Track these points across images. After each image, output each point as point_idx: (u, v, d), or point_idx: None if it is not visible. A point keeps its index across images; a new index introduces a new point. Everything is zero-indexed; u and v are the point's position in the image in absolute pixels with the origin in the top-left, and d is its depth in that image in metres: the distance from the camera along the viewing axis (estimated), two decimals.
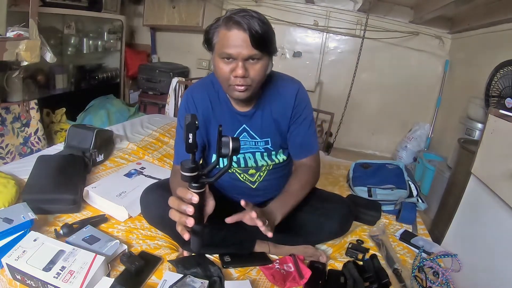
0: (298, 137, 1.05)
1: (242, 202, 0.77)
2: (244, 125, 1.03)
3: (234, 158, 1.03)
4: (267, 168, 1.08)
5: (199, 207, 0.71)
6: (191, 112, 0.98)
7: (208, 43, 0.90)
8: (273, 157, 1.06)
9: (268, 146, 1.04)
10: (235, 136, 0.94)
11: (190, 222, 0.68)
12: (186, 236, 0.71)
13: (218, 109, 1.01)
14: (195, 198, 0.69)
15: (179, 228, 0.72)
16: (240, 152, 1.04)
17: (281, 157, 1.08)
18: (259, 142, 1.04)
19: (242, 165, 1.06)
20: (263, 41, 0.85)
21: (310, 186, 1.03)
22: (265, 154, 1.05)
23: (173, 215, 0.71)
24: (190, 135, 0.63)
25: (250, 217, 0.78)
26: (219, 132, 0.69)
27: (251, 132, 1.03)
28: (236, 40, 0.83)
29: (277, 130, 1.04)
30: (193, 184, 0.69)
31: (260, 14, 0.86)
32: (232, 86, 0.88)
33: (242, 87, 0.87)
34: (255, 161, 1.06)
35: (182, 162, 0.68)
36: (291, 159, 1.12)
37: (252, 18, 0.82)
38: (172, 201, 0.72)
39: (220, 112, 1.01)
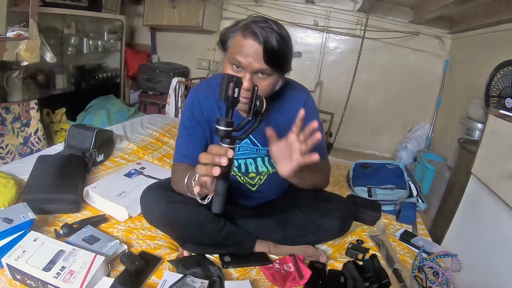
0: None
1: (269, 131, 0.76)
2: None
3: (235, 162, 1.03)
4: (268, 172, 1.07)
5: (227, 165, 0.69)
6: (195, 112, 0.98)
7: (222, 44, 0.88)
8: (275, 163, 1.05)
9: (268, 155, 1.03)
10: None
11: (216, 171, 0.65)
12: (197, 189, 0.68)
13: (223, 112, 0.98)
14: (231, 152, 0.67)
15: (197, 188, 0.69)
16: (241, 157, 1.04)
17: None
18: (260, 150, 1.03)
19: (243, 170, 1.05)
20: (277, 58, 0.82)
21: (322, 179, 1.02)
22: (265, 159, 1.05)
23: (201, 168, 0.67)
24: (236, 90, 0.66)
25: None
26: (255, 90, 0.71)
27: (253, 139, 1.02)
28: (249, 50, 0.80)
29: (281, 137, 1.01)
30: (227, 140, 0.69)
31: (282, 27, 0.83)
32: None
33: (245, 100, 0.84)
34: (256, 167, 1.05)
35: (218, 118, 0.68)
36: None
37: (271, 31, 0.79)
38: (204, 156, 0.67)
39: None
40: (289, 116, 0.99)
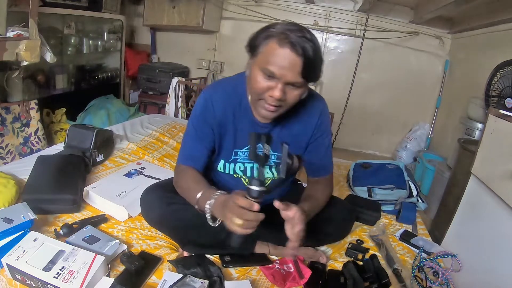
0: (318, 156, 1.04)
1: (276, 204, 0.80)
2: None
3: (241, 166, 1.04)
4: (272, 178, 1.07)
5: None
6: (208, 114, 0.96)
7: (252, 48, 0.84)
8: None
9: (279, 161, 1.03)
10: (248, 146, 0.98)
11: (247, 231, 0.74)
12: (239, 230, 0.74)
13: (238, 116, 0.96)
14: (256, 207, 0.74)
15: (237, 229, 0.74)
16: (249, 162, 1.04)
17: None
18: (271, 155, 1.02)
19: (249, 174, 1.05)
20: (313, 71, 0.79)
21: (323, 205, 1.03)
22: (273, 167, 1.04)
23: (232, 220, 0.74)
24: (266, 146, 0.72)
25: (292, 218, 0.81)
26: (286, 148, 0.74)
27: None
28: (284, 61, 0.76)
29: (293, 146, 0.99)
30: (255, 195, 0.75)
31: (313, 36, 0.79)
32: (262, 102, 0.84)
33: (273, 108, 0.83)
34: (261, 174, 1.05)
35: (252, 178, 0.75)
36: None
37: (307, 41, 0.76)
38: (235, 209, 0.74)
39: (240, 120, 0.97)
40: (304, 126, 1.00)
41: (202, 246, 1.00)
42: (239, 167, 1.03)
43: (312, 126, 1.00)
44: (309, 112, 0.99)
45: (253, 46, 0.84)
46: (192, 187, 0.91)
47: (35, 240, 0.83)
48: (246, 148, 1.01)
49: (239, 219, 0.73)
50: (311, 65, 0.77)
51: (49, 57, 2.00)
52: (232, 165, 1.03)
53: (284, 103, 0.84)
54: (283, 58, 0.76)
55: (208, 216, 0.84)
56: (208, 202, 0.83)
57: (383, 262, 1.07)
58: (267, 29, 0.81)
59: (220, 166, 1.04)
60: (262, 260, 1.02)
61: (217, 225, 0.84)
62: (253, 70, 0.83)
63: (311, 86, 0.94)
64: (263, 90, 0.81)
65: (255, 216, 0.74)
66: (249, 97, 0.94)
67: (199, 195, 0.86)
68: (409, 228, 1.33)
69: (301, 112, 0.98)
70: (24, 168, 1.30)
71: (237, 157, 1.02)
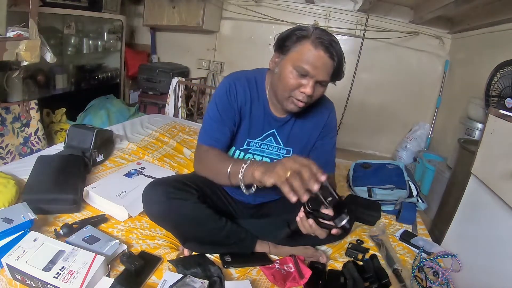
0: (323, 155, 1.08)
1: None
2: (274, 130, 1.05)
3: (251, 157, 1.06)
4: None
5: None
6: (232, 97, 1.00)
7: (283, 47, 0.90)
8: None
9: (289, 156, 1.03)
10: (261, 137, 1.04)
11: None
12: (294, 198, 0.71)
13: (255, 108, 1.03)
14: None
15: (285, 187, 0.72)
16: (260, 155, 1.07)
17: None
18: (281, 149, 1.07)
19: None
20: (340, 72, 0.91)
21: None
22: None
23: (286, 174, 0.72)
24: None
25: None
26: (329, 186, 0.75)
27: (278, 138, 1.06)
28: (319, 62, 0.85)
29: (303, 141, 1.07)
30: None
31: (337, 39, 0.89)
32: (292, 98, 0.91)
33: (302, 103, 0.91)
34: None
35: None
36: None
37: (337, 45, 0.87)
38: (294, 162, 0.73)
39: (256, 111, 1.03)
40: (314, 123, 1.07)
41: (203, 243, 1.00)
42: (249, 158, 1.06)
43: (321, 124, 1.07)
44: (320, 111, 1.07)
45: (284, 45, 0.90)
46: (221, 162, 0.92)
47: (35, 240, 0.83)
48: (258, 139, 1.06)
49: (291, 170, 0.71)
50: (339, 66, 0.89)
51: (49, 57, 2.00)
52: (242, 153, 1.07)
53: (310, 99, 0.92)
54: (317, 59, 0.85)
55: (241, 180, 0.84)
56: (244, 165, 0.83)
57: (383, 262, 1.07)
58: (300, 30, 0.88)
59: (231, 153, 1.06)
60: (263, 260, 1.02)
61: (253, 191, 0.85)
62: (284, 67, 0.90)
63: None
64: (295, 87, 0.89)
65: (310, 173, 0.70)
66: (268, 91, 1.00)
67: (231, 165, 0.87)
68: (409, 228, 1.33)
69: (314, 109, 1.04)
70: (24, 168, 1.30)
71: (249, 147, 1.07)
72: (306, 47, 0.86)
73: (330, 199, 0.75)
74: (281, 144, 1.06)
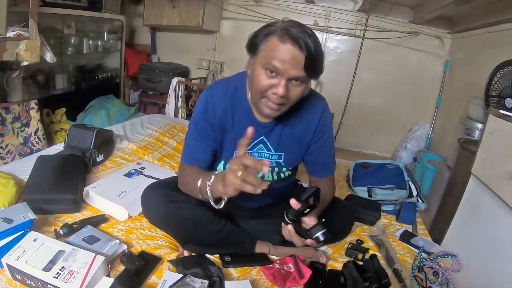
0: (320, 157, 1.03)
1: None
2: (263, 137, 0.98)
3: None
4: (273, 181, 1.06)
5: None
6: (209, 113, 0.94)
7: (252, 47, 0.84)
8: (281, 173, 1.05)
9: (281, 161, 1.02)
10: (250, 146, 0.98)
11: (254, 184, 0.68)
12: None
13: (238, 117, 0.96)
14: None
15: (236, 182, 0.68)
16: None
17: (287, 173, 1.07)
18: (272, 155, 1.01)
19: None
20: (316, 65, 0.80)
21: (327, 205, 1.03)
22: (276, 169, 1.03)
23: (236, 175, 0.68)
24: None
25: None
26: (318, 191, 0.78)
27: (268, 144, 0.99)
28: (287, 56, 0.76)
29: (294, 146, 1.01)
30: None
31: (313, 32, 0.79)
32: (265, 100, 0.83)
33: (276, 106, 0.82)
34: (262, 176, 1.04)
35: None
36: (295, 172, 1.12)
37: (308, 36, 0.77)
38: (236, 162, 0.69)
39: (240, 120, 0.96)
40: (306, 125, 0.99)
41: (203, 245, 1.00)
42: (219, 170, 1.02)
43: (314, 125, 0.99)
44: (311, 111, 0.98)
45: (253, 45, 0.84)
46: (193, 179, 0.89)
47: (35, 240, 0.83)
48: (247, 148, 1.01)
49: (239, 171, 0.66)
50: (314, 59, 0.78)
51: (49, 57, 2.00)
52: None
53: (287, 101, 0.83)
54: (285, 53, 0.76)
55: (210, 197, 0.81)
56: (209, 181, 0.80)
57: (383, 262, 1.07)
58: (267, 27, 0.81)
59: (220, 167, 1.03)
60: (262, 260, 1.02)
61: (222, 206, 0.81)
62: (255, 68, 0.83)
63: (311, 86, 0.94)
64: (266, 88, 0.81)
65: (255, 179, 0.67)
66: (250, 96, 0.93)
67: (200, 181, 0.83)
68: (409, 228, 1.33)
69: (303, 111, 0.97)
70: (24, 168, 1.30)
71: None
72: (273, 43, 0.78)
73: (307, 210, 0.80)
74: (272, 150, 1.00)
